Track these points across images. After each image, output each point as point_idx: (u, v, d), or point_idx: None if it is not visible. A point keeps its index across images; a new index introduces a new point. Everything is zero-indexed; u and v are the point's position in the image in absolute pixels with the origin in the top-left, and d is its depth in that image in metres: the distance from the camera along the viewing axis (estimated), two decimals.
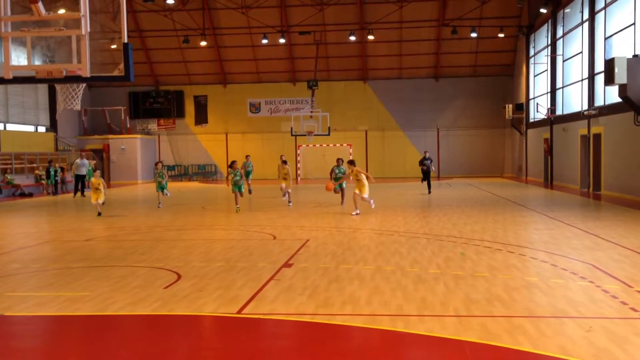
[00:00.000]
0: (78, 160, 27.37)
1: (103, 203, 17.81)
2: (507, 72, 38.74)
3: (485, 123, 39.18)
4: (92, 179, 17.92)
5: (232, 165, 18.60)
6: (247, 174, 23.67)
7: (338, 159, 19.74)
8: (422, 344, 5.83)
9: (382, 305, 7.07)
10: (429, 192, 24.35)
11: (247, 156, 25.07)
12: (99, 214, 17.54)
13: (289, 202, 20.37)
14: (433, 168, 25.41)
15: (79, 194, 26.67)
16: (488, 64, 38.62)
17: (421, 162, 24.88)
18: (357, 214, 16.66)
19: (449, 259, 10.00)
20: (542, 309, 6.86)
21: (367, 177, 17.11)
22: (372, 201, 17.24)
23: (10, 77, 7.85)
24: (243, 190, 18.67)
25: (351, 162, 17.67)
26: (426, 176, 24.75)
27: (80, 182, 26.85)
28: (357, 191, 16.92)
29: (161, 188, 19.93)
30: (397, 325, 6.30)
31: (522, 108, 35.09)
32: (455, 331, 6.03)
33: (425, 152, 25.99)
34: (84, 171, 26.98)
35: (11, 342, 6.29)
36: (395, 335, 6.03)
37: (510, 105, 35.70)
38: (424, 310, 6.83)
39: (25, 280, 8.96)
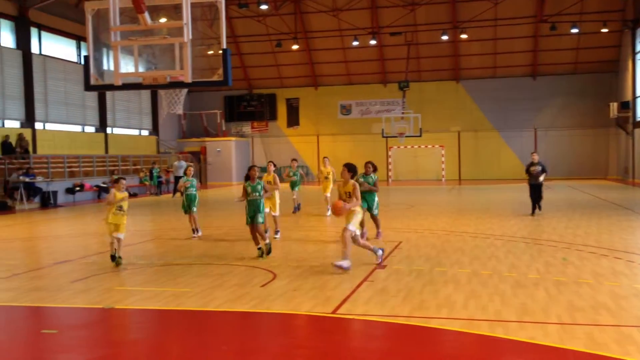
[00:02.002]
0: (176, 162, 28.86)
1: (116, 255, 10.16)
2: (611, 69, 36.68)
3: (588, 122, 37.31)
4: (117, 193, 10.13)
5: (249, 173, 10.95)
6: (293, 185, 18.34)
7: (367, 164, 12.50)
8: (524, 351, 5.63)
9: (479, 310, 6.90)
10: (533, 211, 16.70)
11: (293, 160, 19.09)
12: (117, 259, 10.12)
13: (276, 232, 13.09)
14: (542, 178, 16.48)
15: (178, 194, 27.94)
16: (590, 61, 36.75)
17: (527, 170, 16.73)
18: (341, 266, 9.11)
19: (549, 264, 9.61)
20: None
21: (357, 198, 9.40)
22: (379, 251, 9.89)
23: (120, 83, 8.33)
24: (263, 219, 10.84)
25: (350, 168, 9.61)
26: (535, 190, 16.64)
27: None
28: (350, 226, 9.27)
29: (189, 206, 13.61)
30: (496, 330, 6.13)
31: (628, 106, 33.10)
32: (559, 339, 5.79)
33: (532, 154, 17.21)
34: (181, 172, 28.37)
35: (120, 334, 6.67)
36: (495, 341, 5.86)
37: (615, 104, 33.78)
38: (524, 317, 6.60)
39: (132, 276, 9.46)
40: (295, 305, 7.25)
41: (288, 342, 6.14)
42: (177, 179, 28.34)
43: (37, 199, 24.09)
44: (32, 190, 23.82)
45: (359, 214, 9.43)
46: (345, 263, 9.09)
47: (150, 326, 6.95)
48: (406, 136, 34.91)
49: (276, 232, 13.09)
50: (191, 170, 14.16)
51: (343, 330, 6.47)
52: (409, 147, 38.56)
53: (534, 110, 38.00)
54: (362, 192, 10.77)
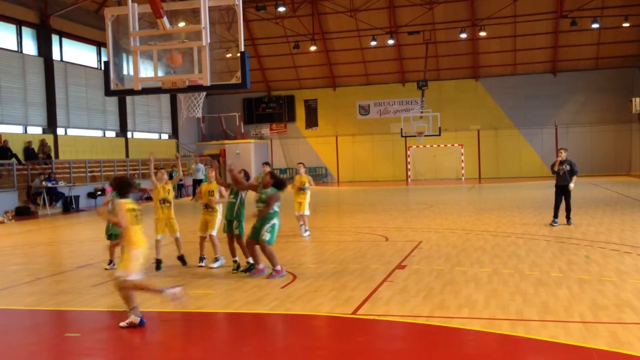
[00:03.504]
0: (194, 165, 29.08)
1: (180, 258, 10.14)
2: (634, 64, 36.15)
3: (609, 118, 36.81)
4: (172, 178, 10.36)
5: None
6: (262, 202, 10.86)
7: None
8: (546, 350, 5.57)
9: (500, 309, 6.85)
10: (554, 220, 14.01)
11: (265, 164, 13.36)
12: (182, 258, 10.21)
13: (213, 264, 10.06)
14: (572, 185, 13.84)
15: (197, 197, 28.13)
16: (612, 56, 36.25)
17: (552, 168, 14.15)
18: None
19: (572, 262, 9.50)
20: None
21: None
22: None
23: (140, 88, 8.41)
24: (241, 231, 9.60)
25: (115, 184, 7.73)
26: (560, 193, 13.98)
27: (198, 186, 28.42)
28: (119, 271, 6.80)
29: (112, 235, 10.04)
30: (518, 330, 6.07)
31: None
32: (582, 338, 5.72)
33: (560, 150, 14.29)
34: (200, 175, 28.64)
35: (141, 336, 6.72)
36: (516, 341, 5.82)
37: (638, 99, 33.29)
38: (546, 316, 6.53)
39: (152, 278, 9.53)
40: (315, 307, 7.26)
41: (309, 343, 6.15)
42: (196, 182, 28.52)
43: (59, 204, 24.41)
44: (54, 195, 24.15)
45: (135, 249, 6.63)
46: (133, 318, 6.59)
47: (172, 328, 7.00)
48: (425, 135, 34.78)
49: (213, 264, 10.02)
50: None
51: (363, 331, 6.46)
52: (428, 146, 38.37)
53: (554, 107, 37.60)
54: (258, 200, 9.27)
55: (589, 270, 8.83)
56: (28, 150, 25.33)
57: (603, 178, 33.31)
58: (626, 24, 33.03)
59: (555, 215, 14.02)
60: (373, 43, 36.07)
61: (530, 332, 5.99)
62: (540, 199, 21.37)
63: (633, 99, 33.68)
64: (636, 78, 36.09)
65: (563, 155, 13.96)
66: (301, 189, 13.58)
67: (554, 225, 13.82)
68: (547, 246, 11.14)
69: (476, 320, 6.49)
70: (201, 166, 29.27)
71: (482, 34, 35.15)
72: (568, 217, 14.00)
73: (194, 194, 28.43)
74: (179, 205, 25.25)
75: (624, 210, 16.95)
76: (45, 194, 23.40)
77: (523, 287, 7.89)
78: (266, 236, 9.06)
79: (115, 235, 9.85)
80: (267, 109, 41.84)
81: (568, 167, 13.83)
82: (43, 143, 26.22)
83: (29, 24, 27.01)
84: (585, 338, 5.72)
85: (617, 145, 37.06)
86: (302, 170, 13.86)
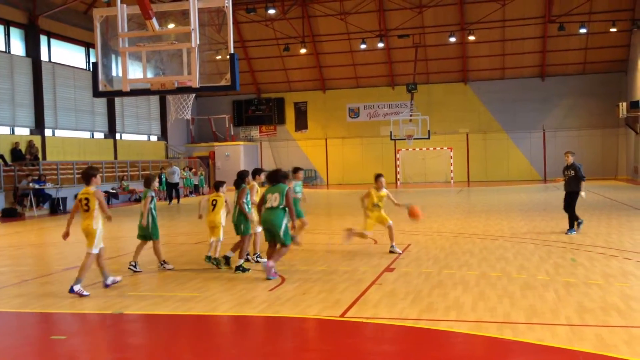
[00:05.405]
0: (169, 169, 27.82)
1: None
2: (621, 68, 36.51)
3: (597, 122, 37.12)
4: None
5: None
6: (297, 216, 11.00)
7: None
8: (533, 353, 5.61)
9: (488, 312, 6.88)
10: (570, 227, 13.04)
11: (299, 169, 12.74)
12: (225, 261, 10.05)
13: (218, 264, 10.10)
14: (583, 192, 12.94)
15: (174, 201, 27.19)
16: (599, 61, 36.58)
17: (563, 174, 13.23)
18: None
19: (559, 265, 9.57)
20: None
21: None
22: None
23: (128, 89, 8.37)
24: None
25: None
26: (569, 200, 13.04)
27: (174, 190, 27.56)
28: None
29: (152, 232, 10.43)
30: (505, 332, 6.10)
31: (637, 106, 32.82)
32: (568, 341, 5.76)
33: (566, 154, 13.16)
34: (175, 179, 27.44)
35: (129, 339, 6.70)
36: (503, 343, 5.85)
37: (624, 103, 33.59)
38: (533, 318, 6.57)
39: (141, 280, 9.50)
40: (303, 309, 7.26)
41: (297, 346, 6.15)
42: (171, 185, 27.38)
43: (46, 206, 24.22)
44: (41, 197, 23.96)
45: None
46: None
47: (159, 331, 6.97)
48: (414, 138, 34.87)
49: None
50: (155, 184, 11.02)
51: (352, 333, 6.47)
52: (417, 149, 38.52)
53: (542, 111, 37.87)
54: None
55: (576, 273, 8.89)
56: (15, 151, 25.14)
57: (590, 182, 33.37)
58: (613, 29, 33.34)
59: (570, 222, 13.04)
60: (363, 46, 36.18)
61: (517, 334, 6.03)
62: (528, 203, 21.51)
63: (620, 104, 33.98)
64: (623, 83, 36.44)
65: (569, 159, 12.85)
66: (376, 205, 11.38)
67: (567, 234, 12.86)
68: (534, 249, 11.20)
69: (464, 322, 6.52)
70: (176, 169, 28.08)
71: (471, 38, 35.36)
72: (576, 222, 12.96)
73: (170, 198, 27.48)
74: (167, 208, 25.16)
75: (610, 214, 17.09)
76: (32, 196, 23.22)
77: (510, 289, 7.93)
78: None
79: (149, 235, 10.37)
80: (257, 111, 41.81)
81: (573, 173, 12.83)
82: (30, 144, 26.02)
83: (17, 24, 26.82)
84: (572, 341, 5.76)
85: (604, 150, 37.37)
86: (384, 183, 11.48)
